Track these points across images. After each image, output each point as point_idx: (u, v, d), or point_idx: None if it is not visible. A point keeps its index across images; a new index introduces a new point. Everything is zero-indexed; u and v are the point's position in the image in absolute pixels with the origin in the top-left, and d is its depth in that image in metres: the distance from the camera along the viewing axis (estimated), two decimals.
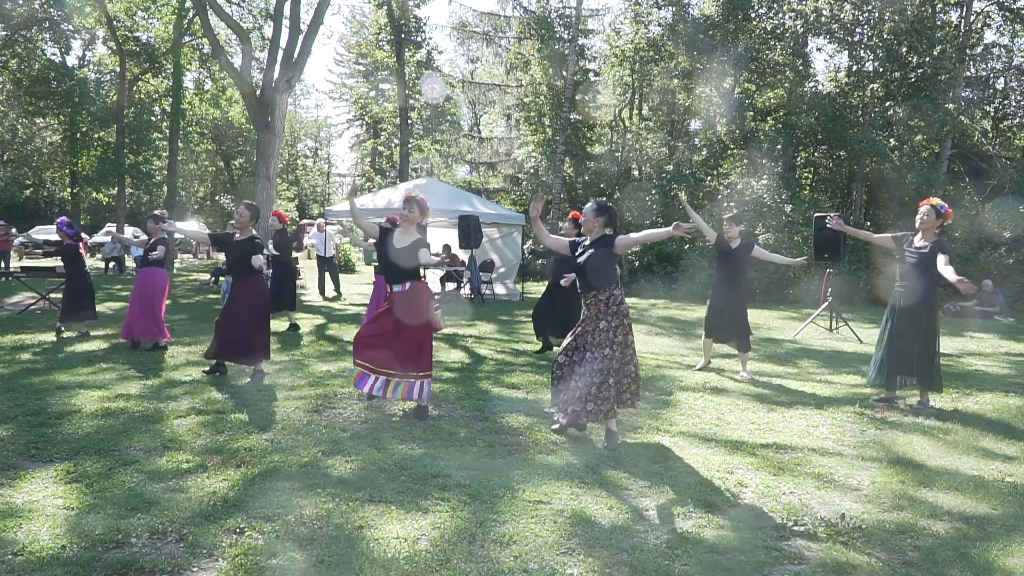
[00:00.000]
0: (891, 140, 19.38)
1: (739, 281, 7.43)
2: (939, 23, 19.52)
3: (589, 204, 5.04)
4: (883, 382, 6.06)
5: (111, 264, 22.75)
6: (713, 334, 7.47)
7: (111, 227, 27.68)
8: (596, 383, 4.68)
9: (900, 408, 6.02)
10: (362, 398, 5.88)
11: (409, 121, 28.06)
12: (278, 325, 10.23)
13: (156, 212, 8.60)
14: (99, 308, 9.81)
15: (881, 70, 19.18)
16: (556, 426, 5.06)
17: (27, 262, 21.01)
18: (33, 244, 20.70)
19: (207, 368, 6.86)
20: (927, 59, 18.36)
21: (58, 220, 9.28)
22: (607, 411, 4.69)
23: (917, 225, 5.87)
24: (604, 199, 5.20)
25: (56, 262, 11.34)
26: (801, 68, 20.24)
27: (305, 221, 12.33)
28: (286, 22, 17.80)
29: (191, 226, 6.94)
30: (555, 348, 8.50)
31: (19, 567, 2.92)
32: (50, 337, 8.77)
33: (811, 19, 19.69)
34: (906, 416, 5.77)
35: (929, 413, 5.83)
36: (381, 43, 27.88)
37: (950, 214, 5.88)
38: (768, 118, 20.77)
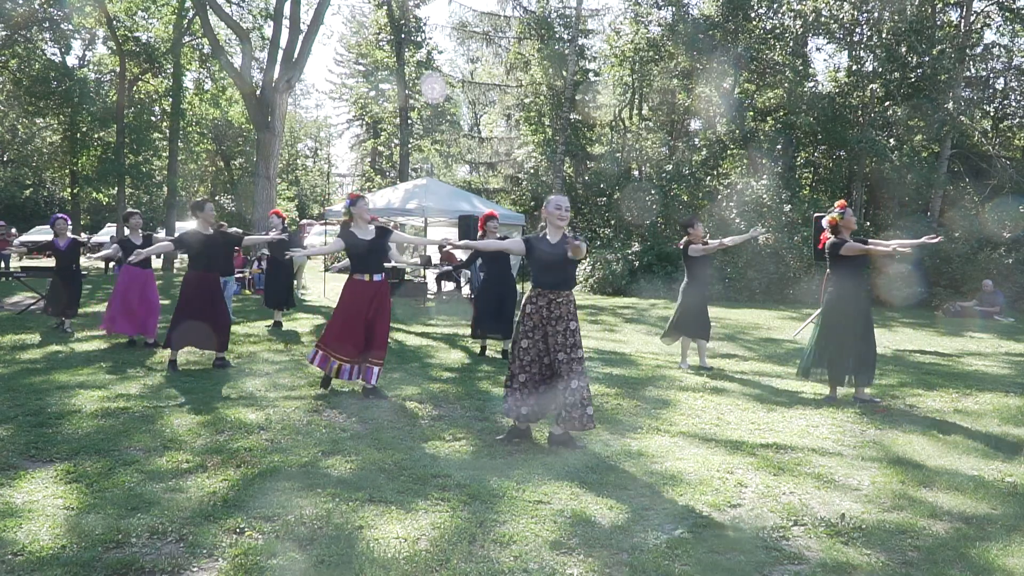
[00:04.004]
0: (891, 140, 19.37)
1: (707, 278, 7.90)
2: (939, 23, 19.51)
3: (564, 198, 4.75)
4: (824, 377, 6.36)
5: (111, 264, 22.76)
6: (686, 331, 7.77)
7: (111, 227, 27.72)
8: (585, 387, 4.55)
9: (885, 406, 6.03)
10: (358, 393, 5.91)
11: (409, 121, 28.03)
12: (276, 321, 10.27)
13: (127, 212, 8.83)
14: (98, 308, 9.84)
15: (881, 70, 19.15)
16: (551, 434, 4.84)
17: (27, 262, 21.04)
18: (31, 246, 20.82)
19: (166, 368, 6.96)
20: (927, 59, 18.34)
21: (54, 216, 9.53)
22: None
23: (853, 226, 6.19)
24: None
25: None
26: (801, 68, 20.22)
27: (305, 221, 12.30)
28: (286, 22, 17.81)
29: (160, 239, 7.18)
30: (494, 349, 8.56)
31: (19, 567, 2.92)
32: (50, 337, 8.76)
33: (810, 19, 19.67)
34: (906, 416, 5.78)
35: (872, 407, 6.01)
36: (381, 43, 27.85)
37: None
38: (768, 118, 20.76)
